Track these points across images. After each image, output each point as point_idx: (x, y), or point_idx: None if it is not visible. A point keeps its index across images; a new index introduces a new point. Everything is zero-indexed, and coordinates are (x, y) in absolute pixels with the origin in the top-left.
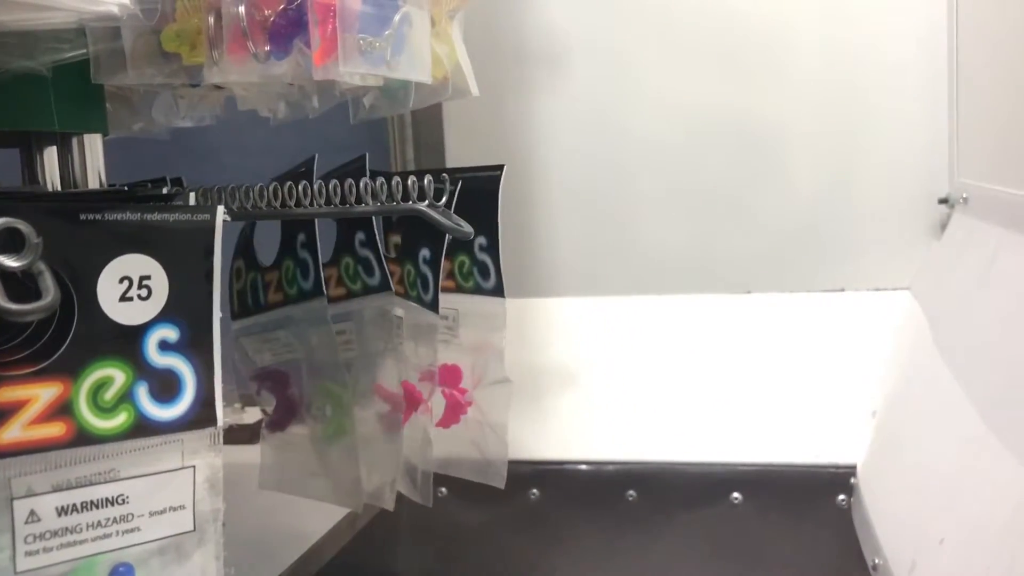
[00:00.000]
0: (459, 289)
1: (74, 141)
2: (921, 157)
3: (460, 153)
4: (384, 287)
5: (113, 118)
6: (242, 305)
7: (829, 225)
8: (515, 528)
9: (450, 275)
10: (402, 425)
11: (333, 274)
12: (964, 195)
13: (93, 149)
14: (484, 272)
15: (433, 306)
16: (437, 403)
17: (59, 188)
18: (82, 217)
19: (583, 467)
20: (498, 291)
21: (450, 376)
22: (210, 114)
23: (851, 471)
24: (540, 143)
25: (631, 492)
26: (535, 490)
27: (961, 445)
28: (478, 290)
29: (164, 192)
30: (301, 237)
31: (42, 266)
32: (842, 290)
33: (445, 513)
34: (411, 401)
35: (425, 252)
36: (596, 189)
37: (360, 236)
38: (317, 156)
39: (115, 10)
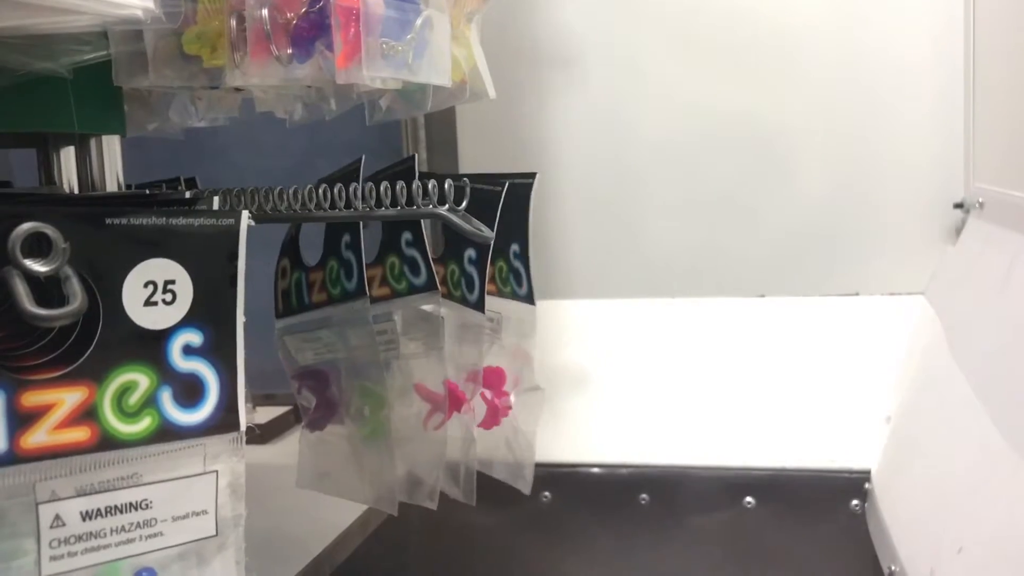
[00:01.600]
0: (500, 293)
1: (92, 142)
2: (936, 161)
3: (473, 155)
4: (430, 287)
5: (129, 118)
6: (286, 304)
7: (843, 229)
8: (527, 530)
9: (492, 279)
10: (444, 425)
11: (377, 274)
12: (980, 200)
13: (111, 150)
14: (518, 279)
15: (479, 306)
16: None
17: (76, 189)
18: (108, 221)
19: (595, 470)
20: (529, 298)
21: (494, 378)
22: (226, 115)
23: (865, 476)
24: (553, 145)
25: (644, 495)
26: (547, 492)
27: (978, 452)
28: (514, 296)
29: (187, 196)
30: (346, 238)
31: (69, 271)
32: (856, 294)
33: (456, 515)
34: (454, 401)
35: (471, 252)
36: (609, 191)
37: (407, 236)
38: (359, 158)
39: (139, 14)
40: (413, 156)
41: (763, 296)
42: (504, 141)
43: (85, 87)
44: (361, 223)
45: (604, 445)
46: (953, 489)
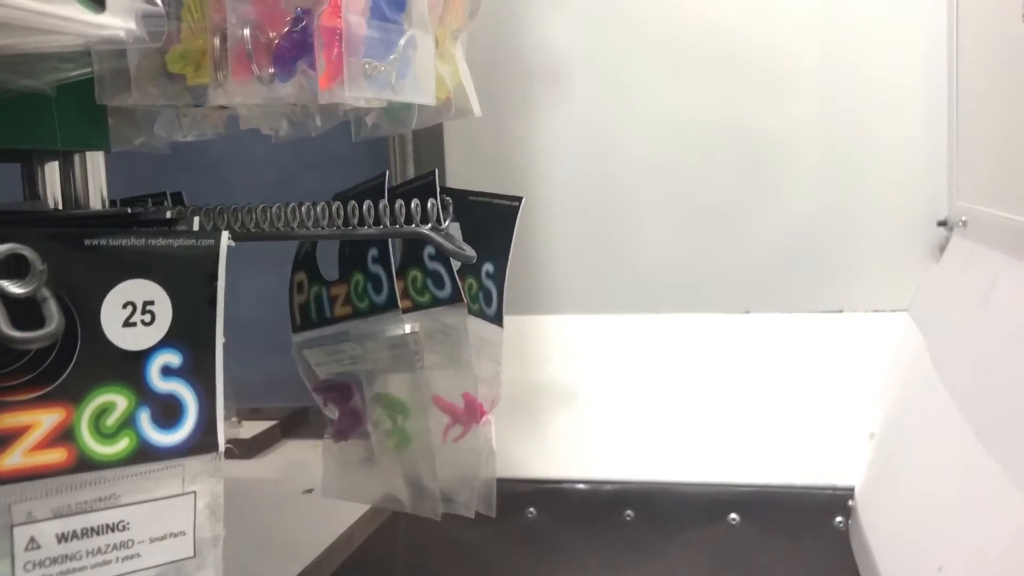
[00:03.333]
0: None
1: (76, 157)
2: (920, 179)
3: (460, 170)
4: (454, 299)
5: (115, 132)
6: (304, 318)
7: (828, 245)
8: (512, 546)
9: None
10: (465, 436)
11: (399, 287)
12: (963, 218)
13: (95, 165)
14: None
15: (497, 320)
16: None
17: (60, 204)
18: (86, 243)
19: (581, 486)
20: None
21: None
22: (212, 131)
23: (849, 493)
24: (540, 160)
25: (629, 511)
26: (532, 508)
27: (960, 469)
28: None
29: (168, 216)
30: (373, 252)
31: (46, 292)
32: (840, 311)
33: (442, 530)
34: (471, 413)
35: (488, 267)
36: (595, 207)
37: (429, 250)
38: (383, 172)
39: (122, 34)
40: (433, 171)
41: (748, 312)
42: (492, 156)
43: (69, 103)
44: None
45: (589, 461)
46: (935, 507)
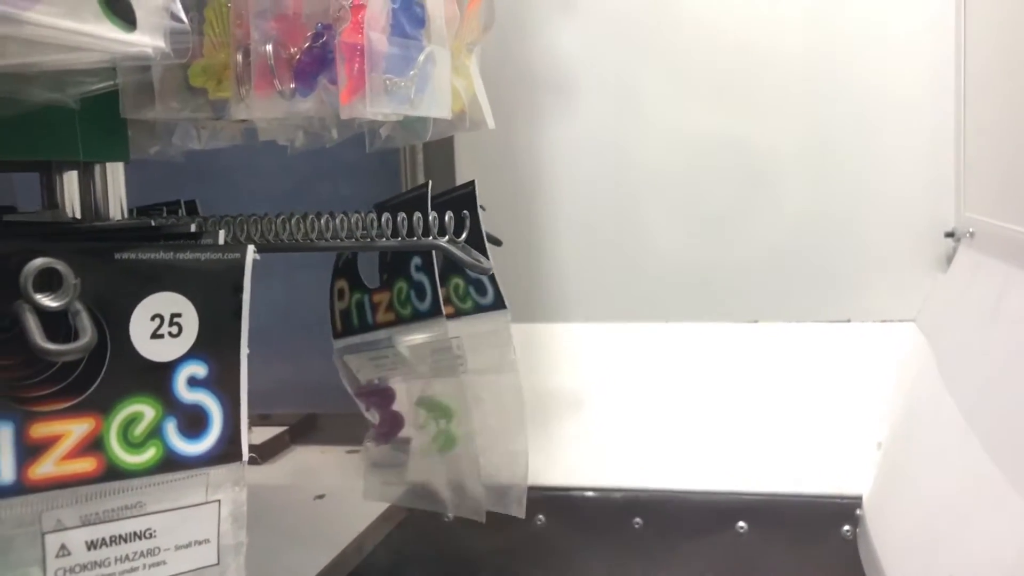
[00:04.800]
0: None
1: (96, 166)
2: (928, 190)
3: (471, 178)
4: (498, 306)
5: (132, 141)
6: (346, 325)
7: (836, 255)
8: (521, 554)
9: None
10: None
11: (442, 294)
12: (970, 229)
13: (115, 174)
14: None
15: (498, 305)
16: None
17: (79, 213)
18: (116, 256)
19: (590, 494)
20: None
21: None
22: (229, 142)
23: (856, 502)
24: (549, 170)
25: (637, 519)
26: (541, 516)
27: (968, 480)
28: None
29: (192, 229)
30: (416, 260)
31: (79, 305)
32: (848, 321)
33: (452, 537)
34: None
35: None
36: (604, 216)
37: None
38: (426, 182)
39: (149, 51)
40: (472, 182)
41: (756, 322)
42: (501, 165)
43: (90, 115)
44: None
45: (598, 469)
46: (944, 516)
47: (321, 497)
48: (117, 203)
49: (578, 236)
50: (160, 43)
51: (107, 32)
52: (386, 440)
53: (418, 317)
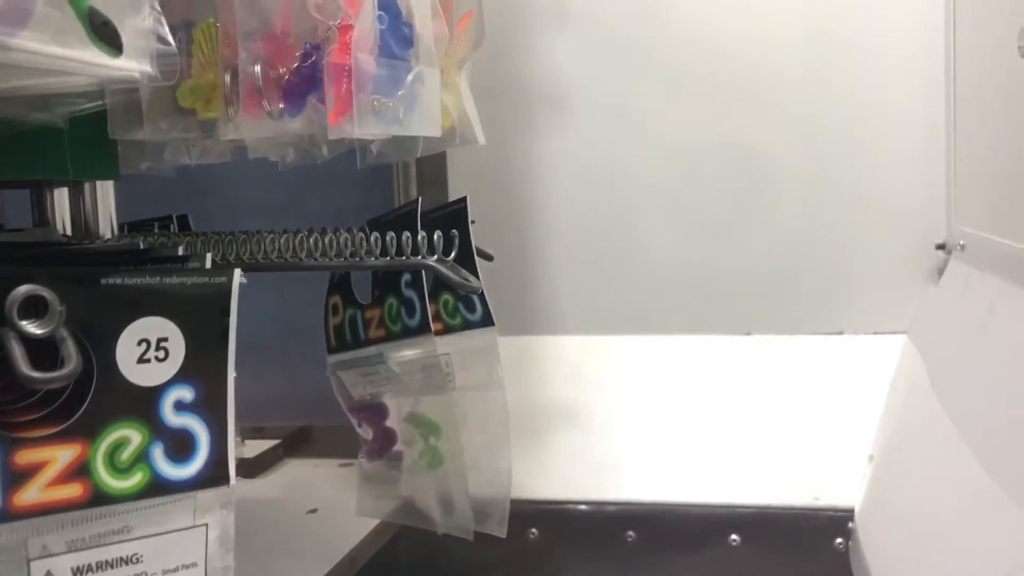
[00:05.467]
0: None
1: (86, 184)
2: (919, 203)
3: (463, 192)
4: (486, 322)
5: (123, 157)
6: (339, 340)
7: (828, 268)
8: (514, 567)
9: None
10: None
11: (431, 310)
12: (961, 242)
13: (104, 193)
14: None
15: (487, 322)
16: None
17: (69, 230)
18: (103, 282)
19: (583, 507)
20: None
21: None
22: (219, 159)
23: (849, 515)
24: (542, 182)
25: (630, 532)
26: (535, 529)
27: (960, 492)
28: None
29: (180, 252)
30: (406, 277)
31: (64, 332)
32: (841, 333)
33: (444, 550)
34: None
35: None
36: (597, 229)
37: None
38: (416, 199)
39: (136, 75)
40: (464, 198)
41: (749, 334)
42: (494, 178)
43: (80, 135)
44: None
45: (591, 482)
46: (935, 529)
47: (314, 511)
48: (107, 220)
49: (572, 248)
50: (147, 68)
51: (93, 58)
52: (379, 456)
53: (408, 333)
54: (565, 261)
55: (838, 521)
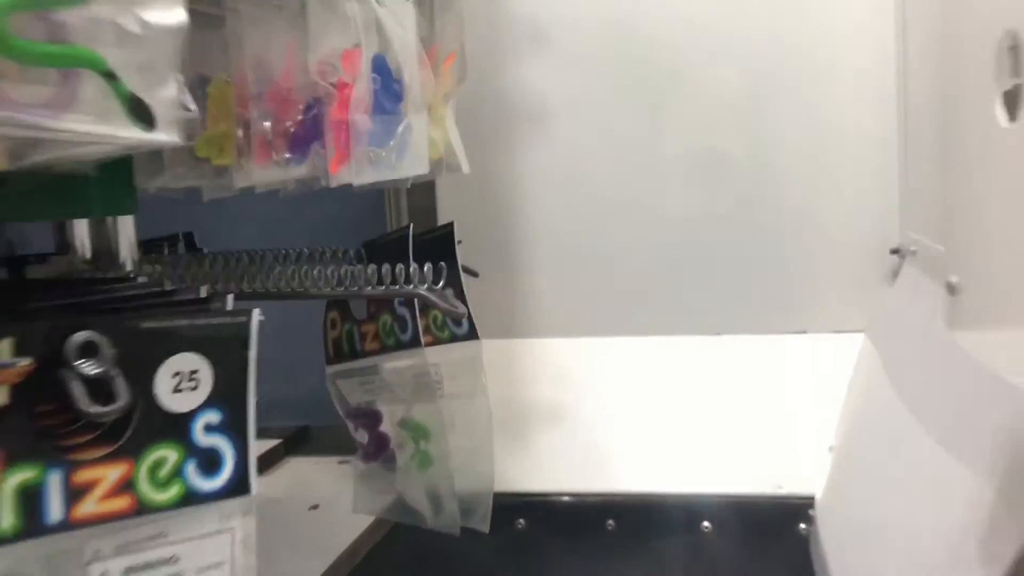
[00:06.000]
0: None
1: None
2: (875, 212)
3: (451, 204)
4: (472, 336)
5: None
6: (338, 352)
7: (793, 272)
8: (503, 555)
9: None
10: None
11: (421, 324)
12: (913, 248)
13: (125, 222)
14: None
15: (472, 335)
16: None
17: (89, 255)
18: (143, 326)
19: (566, 498)
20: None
21: None
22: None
23: (810, 503)
24: (525, 196)
25: (610, 521)
26: (521, 520)
27: (911, 470)
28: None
29: (203, 295)
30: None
31: (115, 371)
32: (804, 332)
33: (438, 542)
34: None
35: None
36: (576, 238)
37: (449, 294)
38: (408, 224)
39: (166, 141)
40: (451, 224)
41: (720, 334)
42: (480, 191)
43: (103, 175)
44: None
45: (574, 475)
46: (886, 511)
47: (315, 507)
48: (127, 246)
49: (554, 257)
50: (175, 138)
51: (130, 133)
52: (373, 459)
53: (401, 346)
54: (548, 269)
55: (800, 508)
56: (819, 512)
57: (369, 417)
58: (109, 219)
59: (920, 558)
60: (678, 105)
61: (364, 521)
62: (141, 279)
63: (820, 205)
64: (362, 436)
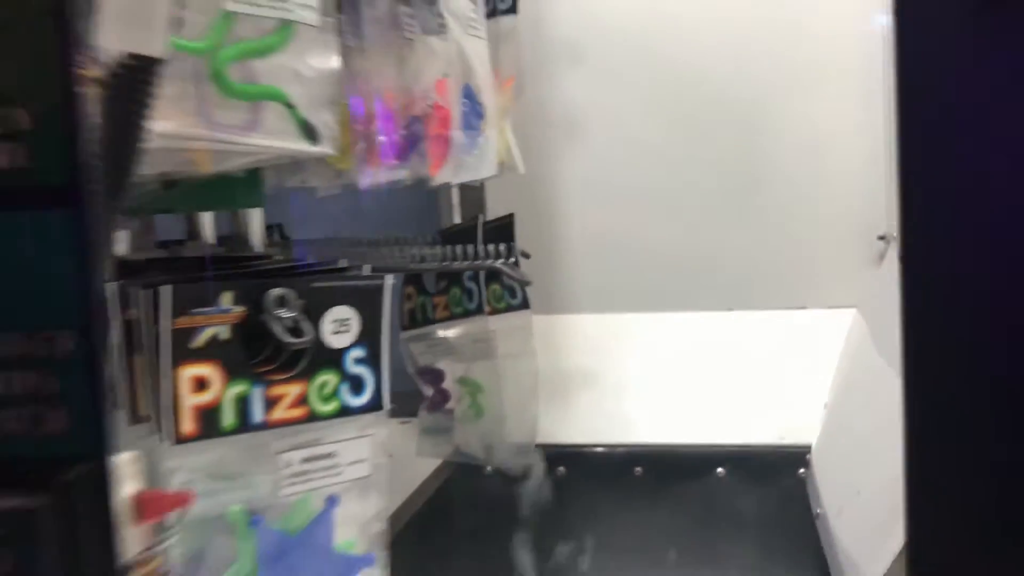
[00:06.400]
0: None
1: None
2: (865, 203)
3: (498, 196)
4: (524, 306)
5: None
6: (412, 320)
7: (793, 255)
8: (549, 497)
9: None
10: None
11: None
12: (895, 234)
13: (254, 212)
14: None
15: (525, 305)
16: None
17: (213, 240)
18: (314, 285)
19: (599, 449)
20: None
21: None
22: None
23: (807, 450)
24: (563, 191)
25: (638, 468)
26: (562, 467)
27: (891, 416)
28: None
29: (344, 264)
30: (468, 272)
31: (300, 316)
32: (803, 307)
33: (489, 487)
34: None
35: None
36: (608, 228)
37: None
38: (478, 215)
39: (327, 152)
40: (511, 215)
41: (731, 310)
42: (523, 190)
43: (239, 175)
44: None
45: (607, 429)
46: (862, 451)
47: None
48: (257, 233)
49: (587, 245)
50: (330, 149)
51: (299, 147)
52: (437, 409)
53: (467, 314)
54: (581, 255)
55: (799, 455)
56: (814, 458)
57: (435, 375)
58: (241, 212)
59: (896, 494)
60: (695, 115)
61: (426, 469)
62: (277, 257)
63: (817, 198)
64: (427, 390)
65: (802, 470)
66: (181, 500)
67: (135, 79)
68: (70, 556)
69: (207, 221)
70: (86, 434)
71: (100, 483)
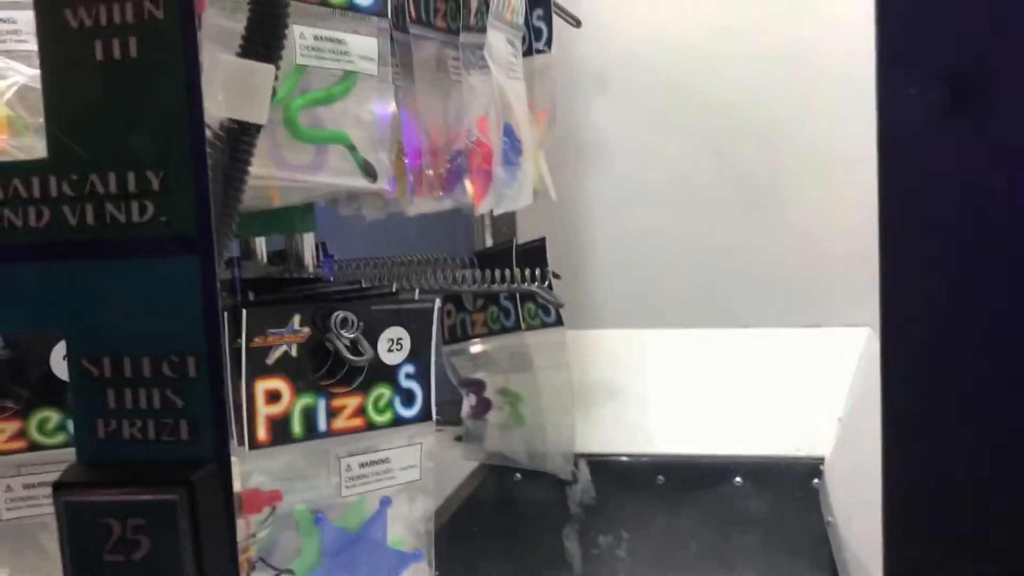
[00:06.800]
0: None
1: None
2: (876, 225)
3: (529, 218)
4: (558, 323)
5: None
6: (452, 335)
7: (810, 275)
8: (576, 503)
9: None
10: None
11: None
12: None
13: (308, 236)
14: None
15: (559, 323)
16: None
17: (265, 259)
18: (373, 308)
19: (624, 458)
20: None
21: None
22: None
23: (821, 461)
24: (589, 214)
25: (660, 477)
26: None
27: None
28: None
29: (393, 290)
30: (504, 293)
31: (360, 336)
32: (818, 326)
33: (523, 488)
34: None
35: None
36: (631, 249)
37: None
38: (512, 239)
39: (383, 189)
40: (543, 239)
41: (747, 327)
42: (552, 213)
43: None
44: None
45: (631, 440)
46: (873, 463)
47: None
48: (310, 255)
49: (610, 265)
50: (386, 186)
51: (359, 183)
52: (479, 417)
53: (504, 331)
54: (605, 275)
55: (814, 466)
56: (828, 469)
57: (477, 385)
58: (296, 236)
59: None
60: (712, 138)
61: (464, 472)
62: (330, 279)
63: (829, 220)
64: (471, 399)
65: (816, 480)
66: (275, 498)
67: (239, 141)
68: (197, 543)
69: (260, 240)
70: (207, 440)
71: (222, 482)
